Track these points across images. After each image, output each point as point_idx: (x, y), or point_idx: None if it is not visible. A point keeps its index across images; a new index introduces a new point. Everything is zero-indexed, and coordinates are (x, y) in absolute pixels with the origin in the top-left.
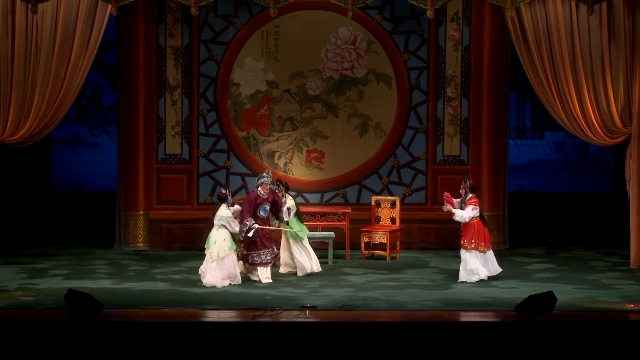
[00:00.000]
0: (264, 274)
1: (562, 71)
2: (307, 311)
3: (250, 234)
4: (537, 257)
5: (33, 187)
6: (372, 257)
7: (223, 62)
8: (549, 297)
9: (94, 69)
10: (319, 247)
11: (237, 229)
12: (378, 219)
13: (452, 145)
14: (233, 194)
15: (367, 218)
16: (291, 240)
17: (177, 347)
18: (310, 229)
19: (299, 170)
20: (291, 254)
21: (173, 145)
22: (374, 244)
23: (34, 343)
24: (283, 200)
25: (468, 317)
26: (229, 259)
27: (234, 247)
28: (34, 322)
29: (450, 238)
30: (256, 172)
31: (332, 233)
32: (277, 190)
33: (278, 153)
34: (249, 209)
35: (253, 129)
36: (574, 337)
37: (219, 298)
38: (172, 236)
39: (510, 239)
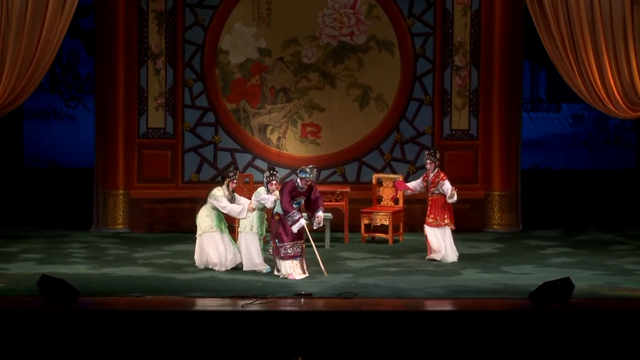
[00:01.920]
0: (296, 268)
1: (580, 37)
2: (302, 299)
3: (295, 229)
4: (553, 240)
5: (3, 164)
6: (373, 240)
7: (210, 27)
8: (566, 284)
9: (70, 35)
10: (315, 230)
11: (227, 207)
12: (379, 199)
13: (460, 119)
14: (220, 173)
15: (367, 198)
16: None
17: (159, 337)
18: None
19: (293, 146)
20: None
21: (156, 118)
22: (375, 226)
23: (4, 333)
24: (273, 193)
25: (477, 305)
26: (207, 238)
27: (221, 227)
28: (4, 310)
29: (458, 219)
30: (246, 147)
31: (330, 214)
32: (272, 181)
33: (270, 127)
34: (288, 200)
35: (243, 100)
36: (593, 327)
37: (205, 285)
38: (155, 217)
39: (524, 220)
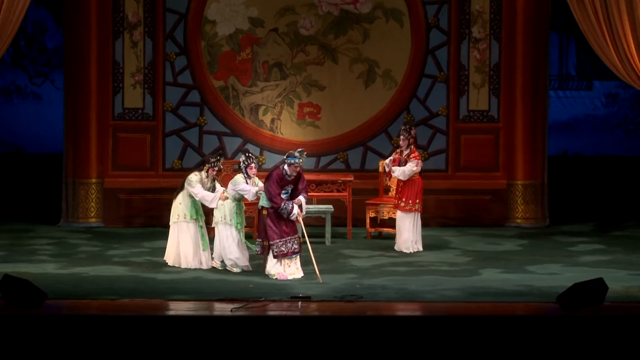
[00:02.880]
0: (287, 267)
1: (614, 5)
2: (299, 303)
3: (293, 217)
4: (584, 236)
5: None
6: (380, 235)
7: None
8: (599, 285)
9: (35, 3)
10: (314, 224)
11: (199, 194)
12: (387, 189)
13: (479, 98)
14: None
15: (373, 188)
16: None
17: (137, 346)
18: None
19: (289, 129)
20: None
21: (133, 97)
22: (382, 220)
23: None
24: (252, 180)
25: (498, 310)
26: (180, 229)
27: (197, 217)
28: None
29: (476, 212)
30: (235, 130)
31: (330, 206)
32: (251, 164)
33: (263, 107)
34: (278, 192)
35: (232, 77)
36: (628, 334)
37: (189, 286)
38: (132, 209)
39: (551, 214)
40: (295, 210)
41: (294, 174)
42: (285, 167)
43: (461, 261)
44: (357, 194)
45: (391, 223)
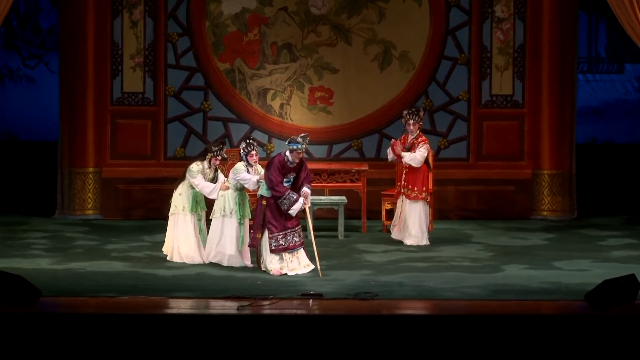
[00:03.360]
0: (289, 263)
1: None
2: (311, 301)
3: (294, 212)
4: (614, 229)
5: None
6: None
7: None
8: (630, 282)
9: None
10: (326, 216)
11: (199, 184)
12: None
13: (502, 82)
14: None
15: (389, 178)
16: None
17: (137, 346)
18: (315, 192)
19: (299, 114)
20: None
21: (133, 80)
22: None
23: None
24: (254, 168)
25: (523, 309)
26: (178, 221)
27: (197, 210)
28: None
29: (499, 204)
30: (242, 116)
31: (344, 198)
32: (251, 152)
33: (272, 91)
34: (280, 180)
35: (239, 59)
36: None
37: (193, 283)
38: (132, 201)
39: (579, 205)
40: (300, 203)
41: (297, 160)
42: (287, 153)
43: (483, 256)
44: (372, 185)
45: None
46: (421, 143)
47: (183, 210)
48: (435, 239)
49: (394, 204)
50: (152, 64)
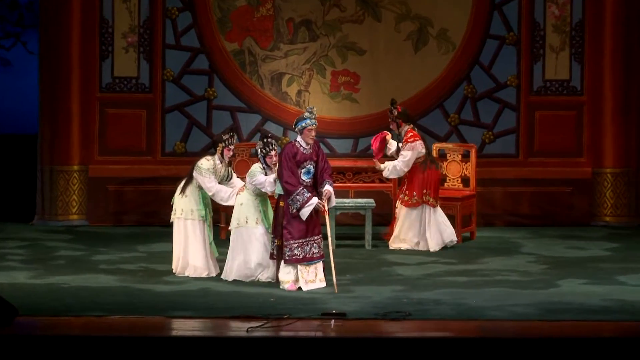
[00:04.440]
0: (305, 274)
1: None
2: (332, 321)
3: (305, 214)
4: None
5: None
6: None
7: None
8: None
9: None
10: (352, 223)
11: (212, 188)
12: (443, 179)
13: (557, 65)
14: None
15: None
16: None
17: None
18: (338, 193)
19: (319, 103)
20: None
21: (125, 63)
22: None
23: None
24: (272, 172)
25: (581, 330)
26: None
27: (204, 215)
28: None
29: (553, 208)
30: (252, 105)
31: (371, 201)
32: (270, 152)
33: (288, 76)
34: (293, 172)
35: (249, 38)
36: None
37: (195, 300)
38: (124, 204)
39: None
40: (312, 204)
41: (310, 141)
42: (298, 138)
43: (535, 270)
44: None
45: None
46: (406, 144)
47: (191, 214)
48: (479, 248)
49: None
50: (148, 44)
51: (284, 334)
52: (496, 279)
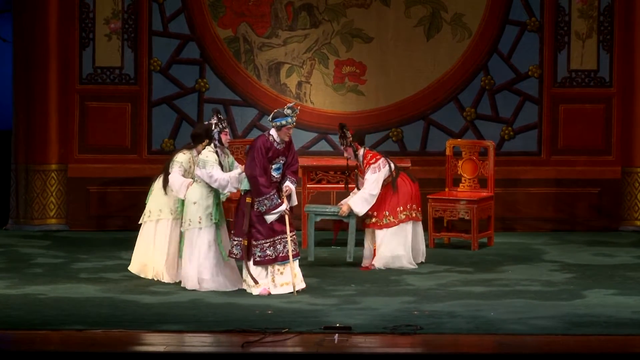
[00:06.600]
0: (278, 276)
1: None
2: (336, 336)
3: (271, 218)
4: None
5: None
6: (447, 243)
7: None
8: None
9: None
10: (357, 228)
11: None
12: (457, 180)
13: (584, 54)
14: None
15: (438, 177)
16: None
17: None
18: (341, 195)
19: (322, 96)
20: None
21: (107, 52)
22: (451, 222)
23: None
24: (223, 153)
25: (610, 345)
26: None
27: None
28: None
29: (579, 211)
30: (248, 98)
31: None
32: (224, 130)
33: (287, 66)
34: (266, 170)
35: (244, 24)
36: None
37: (185, 312)
38: (106, 207)
39: None
40: (282, 208)
41: (286, 139)
42: (272, 132)
43: (558, 279)
44: None
45: (463, 226)
46: (369, 166)
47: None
48: (498, 255)
49: (445, 211)
50: (133, 31)
51: (282, 349)
52: (516, 290)
